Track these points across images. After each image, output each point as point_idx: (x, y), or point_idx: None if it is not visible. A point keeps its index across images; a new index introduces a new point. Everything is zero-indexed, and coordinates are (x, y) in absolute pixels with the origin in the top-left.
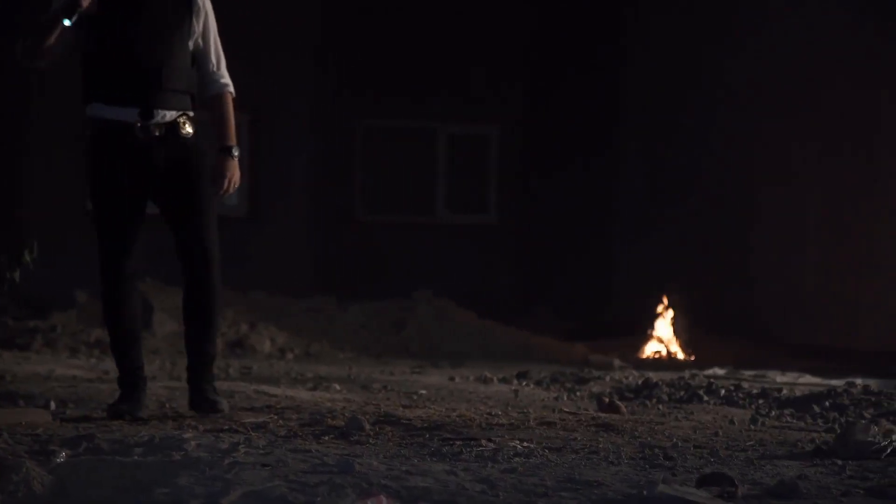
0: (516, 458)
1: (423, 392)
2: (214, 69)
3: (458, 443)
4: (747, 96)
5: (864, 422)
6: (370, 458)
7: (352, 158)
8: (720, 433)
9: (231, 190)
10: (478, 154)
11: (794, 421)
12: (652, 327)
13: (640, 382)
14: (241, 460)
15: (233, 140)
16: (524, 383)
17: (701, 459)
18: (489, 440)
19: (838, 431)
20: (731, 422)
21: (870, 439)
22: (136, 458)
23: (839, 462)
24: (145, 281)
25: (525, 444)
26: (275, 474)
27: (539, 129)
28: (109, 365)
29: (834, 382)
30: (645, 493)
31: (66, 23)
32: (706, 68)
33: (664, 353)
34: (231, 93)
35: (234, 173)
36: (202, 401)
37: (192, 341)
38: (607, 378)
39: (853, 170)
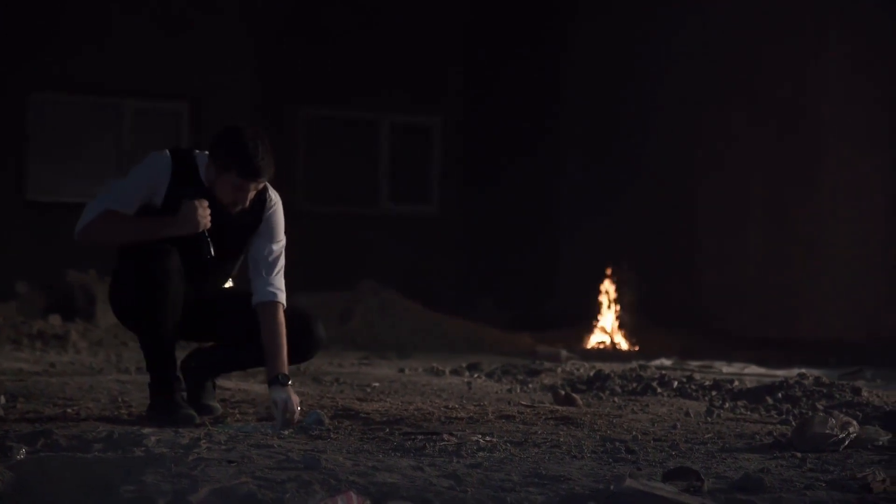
0: (480, 453)
1: (377, 385)
2: (267, 275)
3: (419, 437)
4: (687, 85)
5: (821, 414)
6: (335, 453)
7: (294, 148)
8: (678, 426)
9: (296, 420)
10: (420, 145)
11: (749, 413)
12: (596, 318)
13: (591, 374)
14: (205, 456)
15: (285, 368)
16: (476, 375)
17: (662, 453)
18: (451, 434)
19: (793, 424)
20: (687, 414)
21: (827, 431)
22: (96, 454)
23: (798, 455)
24: (87, 273)
25: (487, 438)
26: (241, 471)
27: (481, 120)
28: (54, 357)
29: (779, 373)
30: (612, 487)
31: (210, 254)
32: (645, 59)
33: (609, 343)
34: (283, 304)
35: (294, 399)
36: (199, 406)
37: (237, 352)
38: (558, 370)
39: (794, 160)
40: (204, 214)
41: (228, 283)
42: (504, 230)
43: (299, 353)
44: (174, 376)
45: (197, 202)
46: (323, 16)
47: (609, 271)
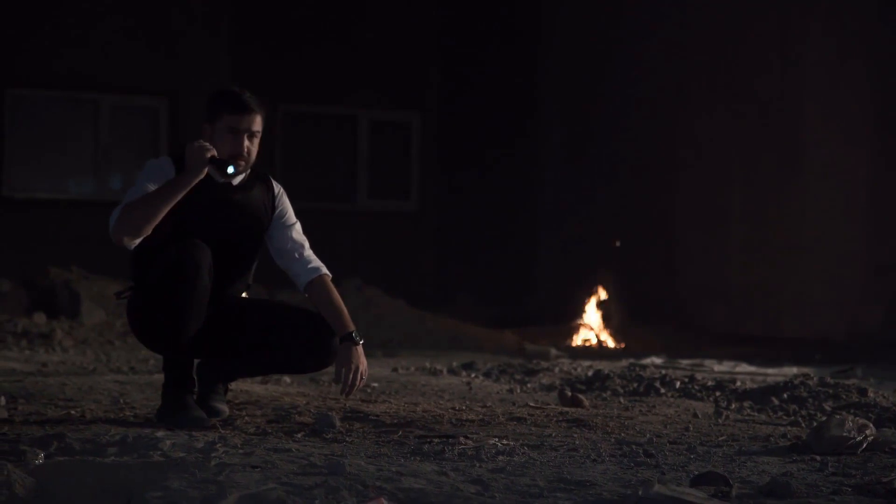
0: (500, 457)
1: (376, 385)
2: (300, 256)
3: (435, 440)
4: (666, 81)
5: (837, 417)
6: (356, 458)
7: (271, 145)
8: (690, 428)
9: (361, 383)
10: (400, 141)
11: (756, 414)
12: (579, 315)
13: (590, 374)
14: (227, 461)
15: (351, 325)
16: (473, 375)
17: (681, 456)
18: (466, 438)
19: (803, 425)
20: (696, 415)
21: (845, 434)
22: (113, 458)
23: (818, 458)
24: (72, 270)
25: (503, 441)
26: (267, 476)
27: (460, 116)
28: (44, 357)
29: (770, 371)
30: (640, 493)
31: (231, 170)
32: (622, 55)
33: (594, 341)
34: (328, 274)
35: (363, 361)
36: (207, 408)
37: (255, 358)
38: (556, 369)
39: (775, 155)
40: (203, 145)
41: (244, 294)
42: (483, 226)
43: (312, 364)
44: (190, 377)
45: (189, 145)
46: (300, 13)
47: (589, 268)
